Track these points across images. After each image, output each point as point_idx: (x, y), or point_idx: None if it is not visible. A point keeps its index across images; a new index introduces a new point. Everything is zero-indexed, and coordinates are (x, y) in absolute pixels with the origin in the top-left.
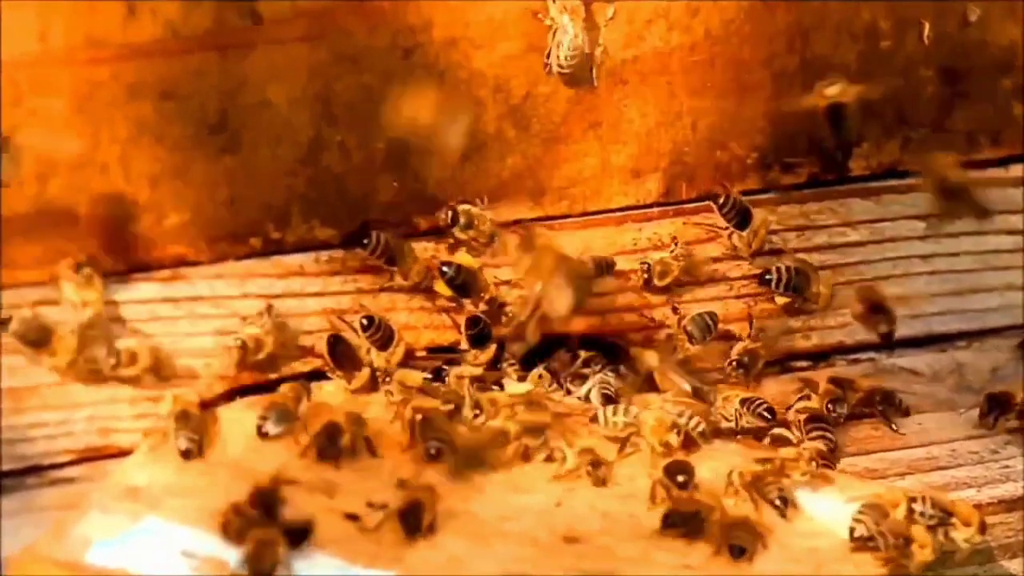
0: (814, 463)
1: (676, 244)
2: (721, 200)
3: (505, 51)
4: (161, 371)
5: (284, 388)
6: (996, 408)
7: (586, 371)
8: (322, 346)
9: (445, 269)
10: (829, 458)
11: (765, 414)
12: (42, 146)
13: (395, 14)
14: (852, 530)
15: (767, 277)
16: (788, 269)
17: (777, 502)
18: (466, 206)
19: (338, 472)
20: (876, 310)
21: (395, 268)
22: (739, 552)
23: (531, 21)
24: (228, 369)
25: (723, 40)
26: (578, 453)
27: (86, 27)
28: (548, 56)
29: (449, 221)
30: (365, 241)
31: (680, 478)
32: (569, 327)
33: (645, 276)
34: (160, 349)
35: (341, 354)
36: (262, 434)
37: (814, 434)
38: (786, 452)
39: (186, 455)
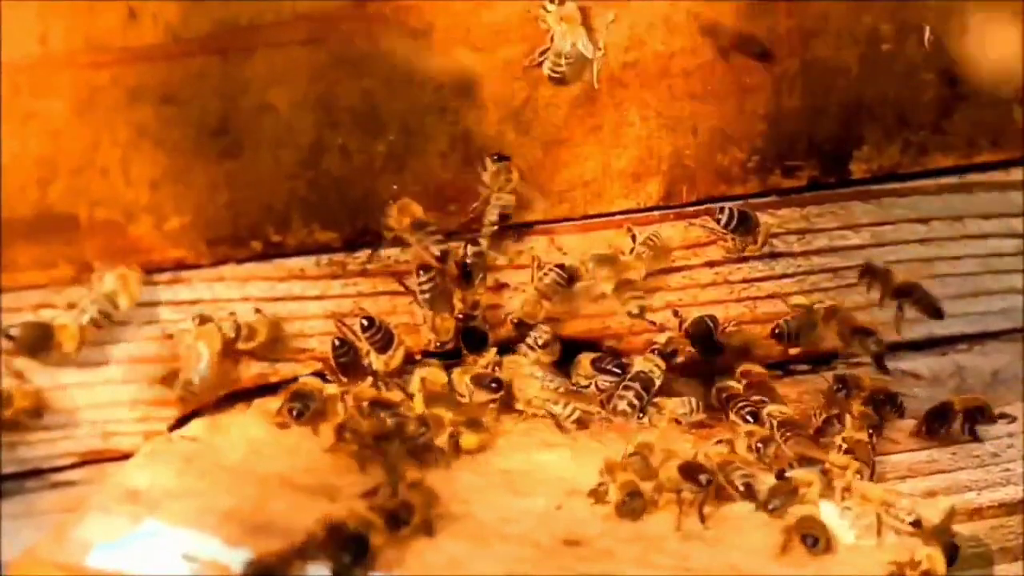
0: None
1: (634, 241)
2: (717, 214)
3: (506, 55)
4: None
5: (304, 379)
6: (937, 422)
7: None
8: (323, 348)
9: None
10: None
11: (748, 417)
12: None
13: (396, 18)
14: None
15: (776, 332)
16: (795, 326)
17: (741, 488)
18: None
19: (340, 477)
20: (858, 332)
21: (432, 313)
22: (813, 543)
23: (532, 25)
24: (214, 344)
25: (724, 44)
26: (620, 486)
27: (87, 30)
28: (542, 56)
29: (495, 158)
30: (421, 271)
31: (703, 478)
32: (571, 331)
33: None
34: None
35: (348, 361)
36: (295, 416)
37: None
38: (836, 458)
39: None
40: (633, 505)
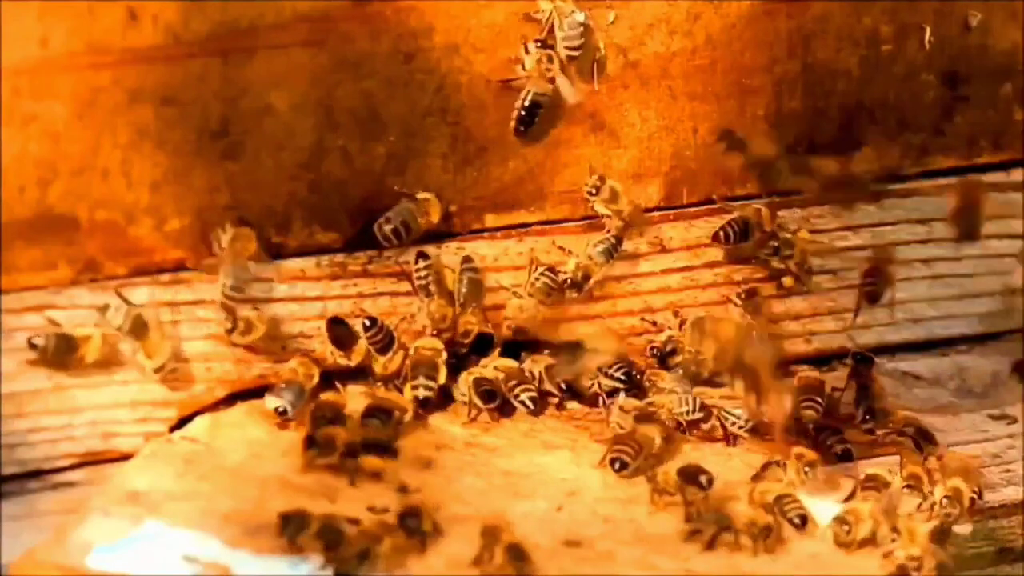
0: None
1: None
2: (721, 236)
3: (507, 55)
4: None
5: (294, 363)
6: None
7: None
8: (323, 349)
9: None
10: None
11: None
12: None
13: (396, 19)
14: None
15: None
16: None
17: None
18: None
19: (339, 478)
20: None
21: (427, 300)
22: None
23: (532, 25)
24: (249, 247)
25: (724, 45)
26: (747, 526)
27: (87, 32)
28: (548, 44)
29: (539, 44)
30: (419, 259)
31: (704, 479)
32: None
33: (593, 190)
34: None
35: (340, 335)
36: (279, 414)
37: (831, 440)
38: (799, 451)
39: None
40: (768, 542)
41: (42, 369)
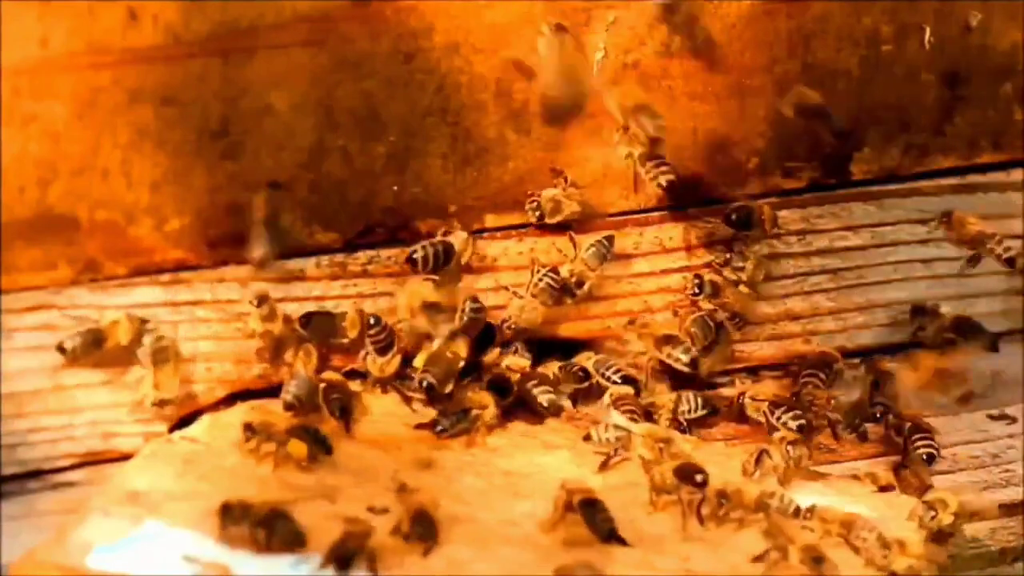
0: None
1: (566, 181)
2: (733, 217)
3: (506, 56)
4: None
5: (289, 356)
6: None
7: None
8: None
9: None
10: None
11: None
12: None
13: (397, 19)
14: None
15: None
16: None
17: (545, 404)
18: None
19: (338, 477)
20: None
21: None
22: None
23: (532, 26)
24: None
25: (724, 45)
26: (801, 550)
27: (87, 32)
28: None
29: (555, 28)
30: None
31: (699, 478)
32: (571, 332)
33: (537, 214)
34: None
35: (316, 328)
36: (288, 407)
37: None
38: (780, 434)
39: None
40: (820, 570)
41: (55, 369)
